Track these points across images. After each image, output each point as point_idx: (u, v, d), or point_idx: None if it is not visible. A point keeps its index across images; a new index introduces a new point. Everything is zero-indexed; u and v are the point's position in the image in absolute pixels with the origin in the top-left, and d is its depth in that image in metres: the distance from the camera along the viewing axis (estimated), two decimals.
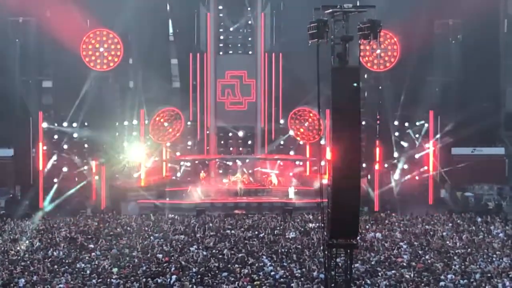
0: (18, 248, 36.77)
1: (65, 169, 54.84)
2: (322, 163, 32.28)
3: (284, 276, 31.03)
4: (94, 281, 30.26)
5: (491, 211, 49.47)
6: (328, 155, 26.31)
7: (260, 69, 57.36)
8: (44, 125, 53.90)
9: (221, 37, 58.38)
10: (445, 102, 55.99)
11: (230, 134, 58.66)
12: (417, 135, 56.30)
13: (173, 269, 31.99)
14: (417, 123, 56.17)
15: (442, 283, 30.00)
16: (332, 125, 25.70)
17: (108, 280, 30.28)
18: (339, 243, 26.10)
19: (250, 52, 58.14)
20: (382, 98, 55.13)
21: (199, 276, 30.87)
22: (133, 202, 51.95)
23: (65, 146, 55.19)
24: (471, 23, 54.27)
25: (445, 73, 56.01)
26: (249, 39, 58.37)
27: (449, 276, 30.84)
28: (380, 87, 54.93)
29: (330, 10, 25.79)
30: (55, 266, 32.55)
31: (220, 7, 58.03)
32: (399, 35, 54.04)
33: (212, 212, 49.18)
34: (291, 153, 57.88)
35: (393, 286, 29.55)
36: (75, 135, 55.30)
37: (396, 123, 56.30)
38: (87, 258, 34.49)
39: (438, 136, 55.14)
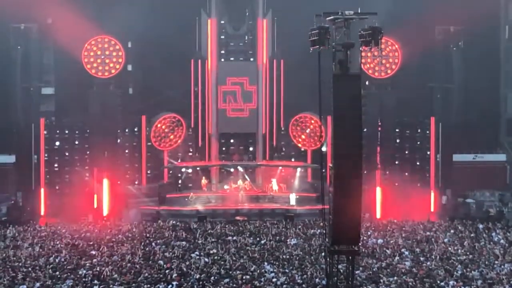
0: (20, 254, 36.76)
1: (66, 176, 54.92)
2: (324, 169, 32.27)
3: (286, 282, 31.05)
4: (95, 287, 30.29)
5: (493, 218, 49.45)
6: (330, 162, 26.36)
7: (262, 76, 57.39)
8: (46, 132, 53.97)
9: (223, 44, 58.41)
10: (446, 109, 56.05)
11: (232, 141, 58.69)
12: (418, 142, 56.34)
13: (174, 275, 32.01)
14: (419, 130, 56.22)
15: None
16: (333, 131, 25.75)
17: (110, 286, 30.31)
18: (341, 249, 26.14)
19: (251, 59, 58.16)
20: (383, 104, 55.18)
21: (200, 282, 30.89)
22: (134, 208, 51.97)
23: (67, 153, 55.21)
24: (472, 30, 54.37)
25: (446, 79, 56.09)
26: (251, 45, 58.40)
27: (450, 282, 30.85)
28: (381, 94, 54.99)
29: (332, 17, 25.90)
30: (57, 273, 32.57)
31: (222, 14, 58.06)
32: (400, 42, 54.13)
33: (213, 218, 49.19)
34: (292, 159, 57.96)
35: None
36: (76, 142, 55.29)
37: (397, 129, 56.34)
38: (88, 264, 34.49)
39: (439, 142, 55.17)
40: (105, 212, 52.49)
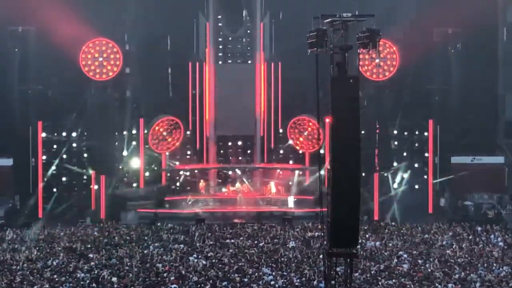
0: (18, 257, 36.66)
1: (64, 178, 54.88)
2: (322, 172, 32.25)
3: (284, 285, 30.99)
4: None
5: (491, 220, 49.42)
6: (328, 164, 26.29)
7: (260, 78, 57.30)
8: (43, 134, 53.94)
9: (220, 46, 58.40)
10: (444, 111, 56.04)
11: (230, 143, 58.66)
12: (416, 144, 56.36)
13: (172, 278, 31.94)
14: (417, 132, 56.26)
15: None
16: (331, 134, 25.69)
17: None
18: (339, 252, 26.05)
19: (249, 61, 58.14)
20: (382, 107, 55.18)
21: (198, 285, 30.82)
22: (132, 211, 51.91)
23: (64, 156, 55.17)
24: (470, 32, 54.37)
25: (445, 82, 56.13)
26: (248, 48, 58.39)
27: (449, 285, 30.80)
28: (379, 96, 54.99)
29: (329, 19, 25.81)
30: (55, 276, 32.48)
31: (219, 16, 58.05)
32: (398, 44, 54.12)
33: (211, 221, 49.13)
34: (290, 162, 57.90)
35: None
36: (74, 144, 55.28)
37: (395, 132, 56.34)
38: (86, 267, 34.40)
39: (437, 144, 55.19)
40: (103, 214, 52.42)
